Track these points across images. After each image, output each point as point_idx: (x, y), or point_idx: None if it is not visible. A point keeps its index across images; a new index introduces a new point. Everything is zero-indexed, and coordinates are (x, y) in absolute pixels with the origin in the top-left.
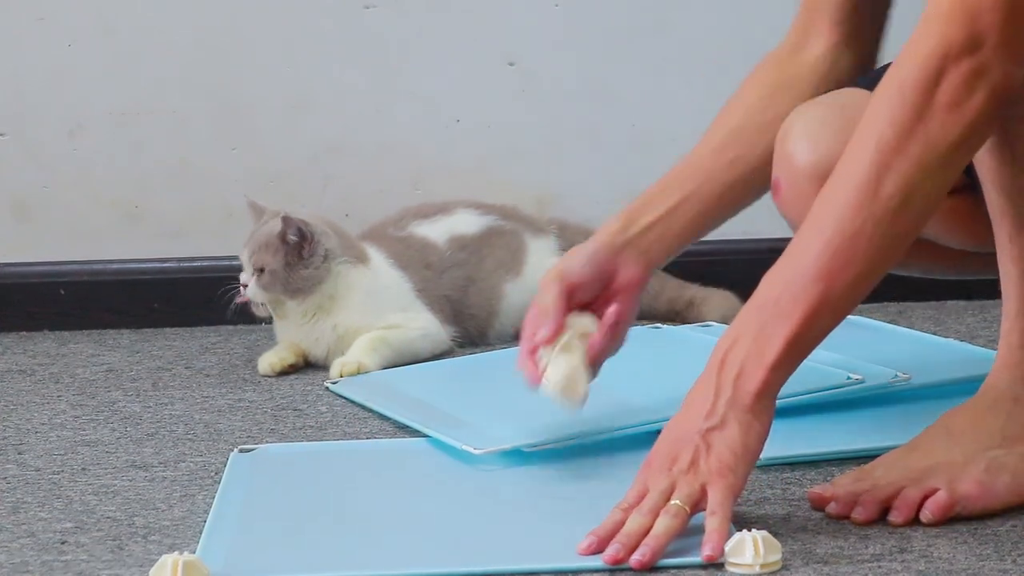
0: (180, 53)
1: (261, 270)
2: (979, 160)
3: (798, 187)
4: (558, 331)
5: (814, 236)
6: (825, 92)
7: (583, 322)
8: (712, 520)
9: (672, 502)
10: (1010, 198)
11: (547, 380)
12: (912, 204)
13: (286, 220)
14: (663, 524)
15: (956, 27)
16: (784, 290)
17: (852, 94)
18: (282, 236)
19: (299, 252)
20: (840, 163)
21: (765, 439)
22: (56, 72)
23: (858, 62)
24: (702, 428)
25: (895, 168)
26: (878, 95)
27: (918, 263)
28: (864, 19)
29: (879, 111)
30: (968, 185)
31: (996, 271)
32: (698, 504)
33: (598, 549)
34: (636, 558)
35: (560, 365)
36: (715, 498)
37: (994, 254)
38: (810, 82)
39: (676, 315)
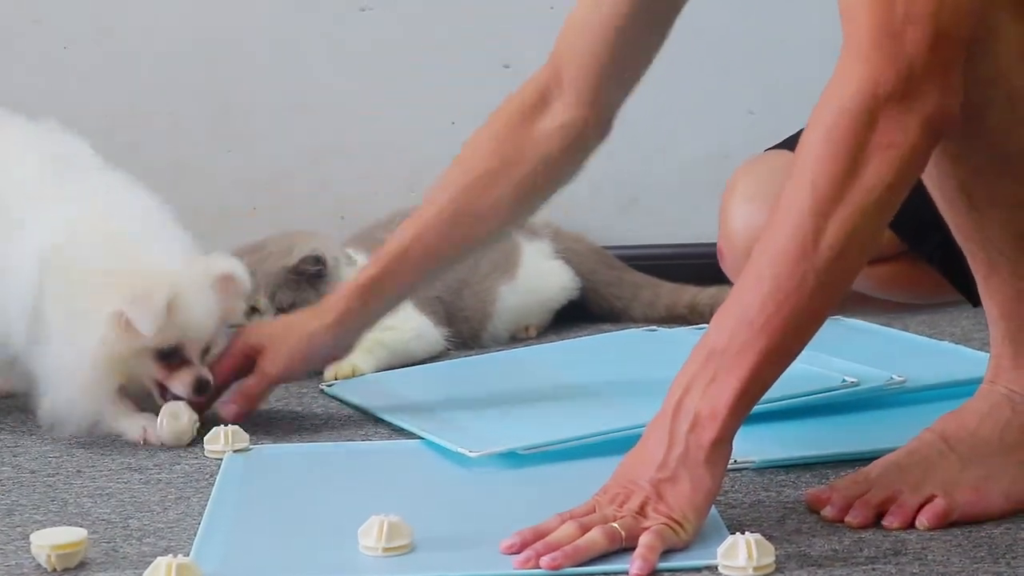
0: (176, 55)
1: (291, 305)
2: (943, 211)
3: (740, 257)
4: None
5: (755, 290)
6: (563, 162)
7: None
8: (646, 536)
9: (611, 524)
10: (978, 244)
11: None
12: (852, 250)
13: (303, 259)
14: (590, 537)
15: (881, 65)
16: (731, 341)
17: (789, 158)
18: (296, 270)
19: (320, 276)
20: (775, 213)
21: (715, 494)
22: (52, 74)
23: (600, 132)
24: (654, 478)
25: (834, 216)
26: (807, 142)
27: (870, 312)
28: (610, 92)
29: (810, 158)
30: (906, 250)
31: (947, 308)
32: (637, 538)
33: (518, 551)
34: (546, 560)
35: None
36: (656, 529)
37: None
38: (547, 153)
39: (678, 319)
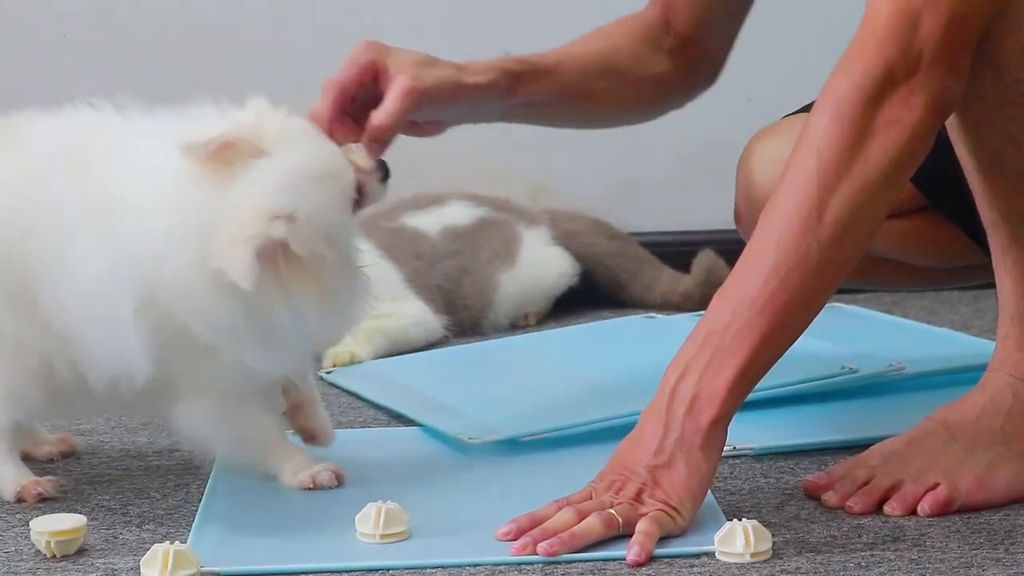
0: (174, 43)
1: None
2: (971, 179)
3: (757, 215)
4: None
5: (759, 263)
6: (676, 84)
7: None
8: (643, 522)
9: (608, 511)
10: (1002, 214)
11: None
12: (857, 226)
13: None
14: (587, 524)
15: (893, 45)
16: (732, 320)
17: None
18: None
19: None
20: (781, 186)
21: (711, 479)
22: (51, 62)
23: (707, 69)
24: (650, 464)
25: (839, 191)
26: (815, 116)
27: (884, 281)
28: (720, 22)
29: (817, 132)
30: (925, 206)
31: (962, 282)
32: (634, 524)
33: (514, 538)
34: (543, 546)
35: None
36: (653, 515)
37: (960, 268)
38: (664, 69)
39: (672, 307)
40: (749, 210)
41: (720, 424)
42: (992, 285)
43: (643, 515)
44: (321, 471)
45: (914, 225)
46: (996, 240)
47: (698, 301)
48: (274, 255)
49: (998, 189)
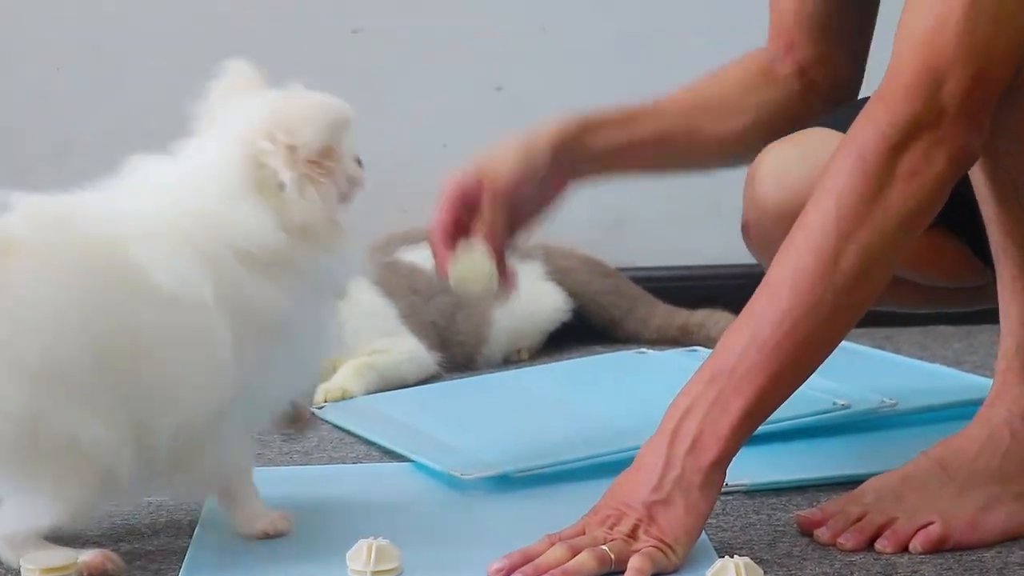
0: (167, 75)
1: None
2: (985, 205)
3: (766, 229)
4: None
5: (771, 305)
6: (799, 111)
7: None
8: (636, 559)
9: (601, 547)
10: (1014, 241)
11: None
12: (873, 273)
13: None
14: (580, 560)
15: (919, 99)
16: (740, 360)
17: (820, 135)
18: None
19: None
20: (798, 228)
21: (707, 518)
22: (44, 94)
23: (837, 79)
24: (647, 500)
25: (856, 237)
26: (836, 162)
27: (890, 300)
28: (842, 37)
29: (838, 178)
30: (936, 223)
31: (965, 304)
32: (627, 561)
33: (506, 574)
34: None
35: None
36: (647, 552)
37: (964, 289)
38: (783, 100)
39: (669, 341)
40: (758, 222)
41: (721, 465)
42: (987, 319)
43: (636, 551)
44: (277, 519)
45: (924, 242)
46: (1005, 268)
47: (694, 339)
48: (291, 156)
49: (1012, 217)
